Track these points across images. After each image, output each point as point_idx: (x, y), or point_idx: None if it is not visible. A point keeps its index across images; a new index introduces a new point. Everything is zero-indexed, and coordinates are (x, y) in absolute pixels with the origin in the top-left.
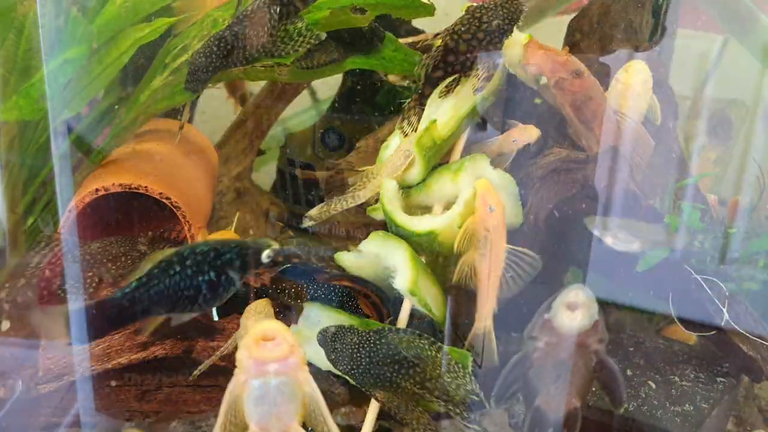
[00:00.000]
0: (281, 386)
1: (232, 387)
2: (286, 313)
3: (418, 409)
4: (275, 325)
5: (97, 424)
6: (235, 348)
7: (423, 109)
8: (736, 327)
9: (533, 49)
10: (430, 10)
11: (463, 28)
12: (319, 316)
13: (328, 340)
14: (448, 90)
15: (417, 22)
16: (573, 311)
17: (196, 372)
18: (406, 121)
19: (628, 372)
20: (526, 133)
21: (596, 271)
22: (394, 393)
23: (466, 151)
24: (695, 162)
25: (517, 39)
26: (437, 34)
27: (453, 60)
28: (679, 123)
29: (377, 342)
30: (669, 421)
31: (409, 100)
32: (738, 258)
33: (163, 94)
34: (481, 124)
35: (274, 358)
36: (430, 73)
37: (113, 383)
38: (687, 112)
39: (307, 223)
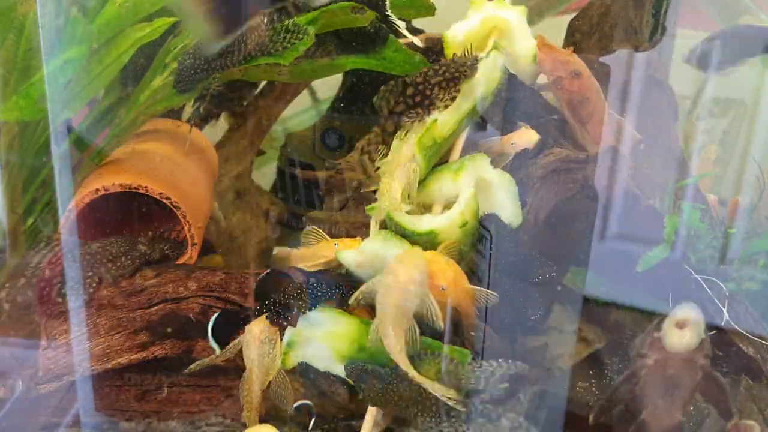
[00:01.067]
0: None
1: None
2: (286, 313)
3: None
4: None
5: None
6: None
7: (387, 148)
8: (736, 327)
9: (538, 46)
10: (430, 10)
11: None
12: (318, 318)
13: (355, 378)
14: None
15: (417, 22)
16: (682, 329)
17: (192, 366)
18: (367, 156)
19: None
20: (525, 137)
21: (596, 271)
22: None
23: (466, 151)
24: (695, 162)
25: (522, 32)
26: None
27: (412, 93)
28: (679, 123)
29: (400, 384)
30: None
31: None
32: (738, 258)
33: (163, 94)
34: (481, 124)
35: None
36: (392, 107)
37: (113, 383)
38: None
39: None
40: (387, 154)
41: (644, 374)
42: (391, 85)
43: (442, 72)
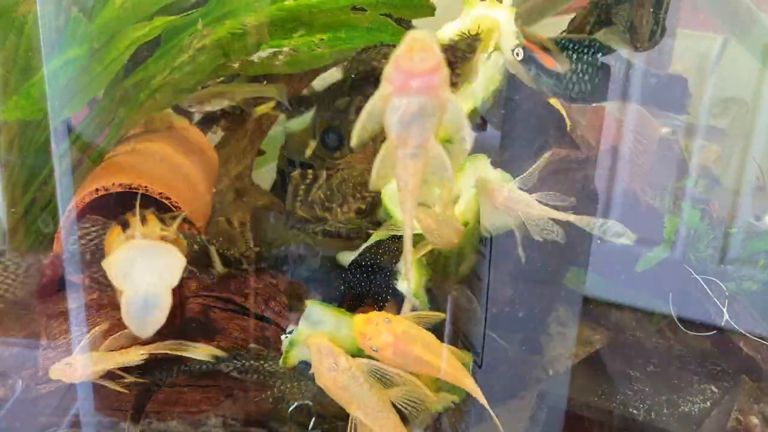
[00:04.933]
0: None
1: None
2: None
3: None
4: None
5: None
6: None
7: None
8: (736, 327)
9: None
10: (430, 10)
11: None
12: (321, 316)
13: None
14: None
15: (417, 22)
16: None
17: None
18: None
19: (629, 372)
20: None
21: (596, 271)
22: None
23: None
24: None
25: (509, 30)
26: None
27: None
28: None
29: None
30: (669, 421)
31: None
32: (738, 258)
33: (163, 94)
34: (482, 125)
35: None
36: None
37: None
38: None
39: None
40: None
41: None
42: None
43: None
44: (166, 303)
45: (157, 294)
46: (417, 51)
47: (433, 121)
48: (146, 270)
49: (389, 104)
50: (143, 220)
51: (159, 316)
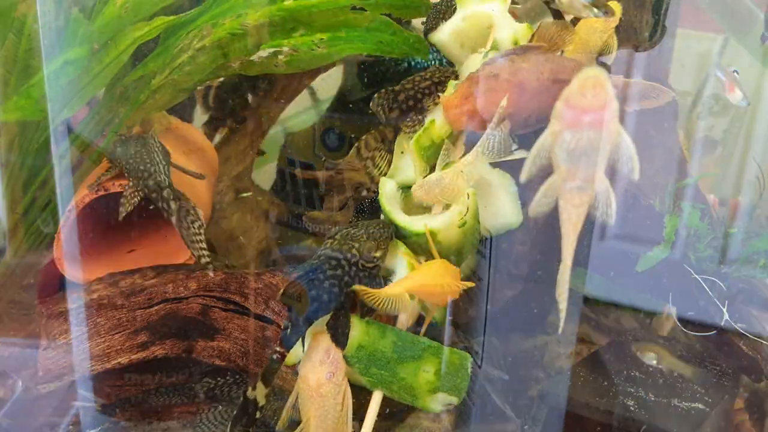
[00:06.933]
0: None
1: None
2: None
3: None
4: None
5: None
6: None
7: (390, 153)
8: (736, 327)
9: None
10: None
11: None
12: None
13: None
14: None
15: (417, 22)
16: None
17: None
18: (370, 161)
19: (629, 372)
20: None
21: (596, 271)
22: None
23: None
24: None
25: (504, 23)
26: None
27: (404, 98)
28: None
29: None
30: (669, 421)
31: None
32: (738, 258)
33: (163, 94)
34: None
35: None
36: (388, 113)
37: (113, 383)
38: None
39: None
40: (388, 158)
41: None
42: (383, 92)
43: (429, 77)
44: None
45: None
46: (589, 88)
47: (601, 155)
48: None
49: (559, 139)
50: None
51: None
